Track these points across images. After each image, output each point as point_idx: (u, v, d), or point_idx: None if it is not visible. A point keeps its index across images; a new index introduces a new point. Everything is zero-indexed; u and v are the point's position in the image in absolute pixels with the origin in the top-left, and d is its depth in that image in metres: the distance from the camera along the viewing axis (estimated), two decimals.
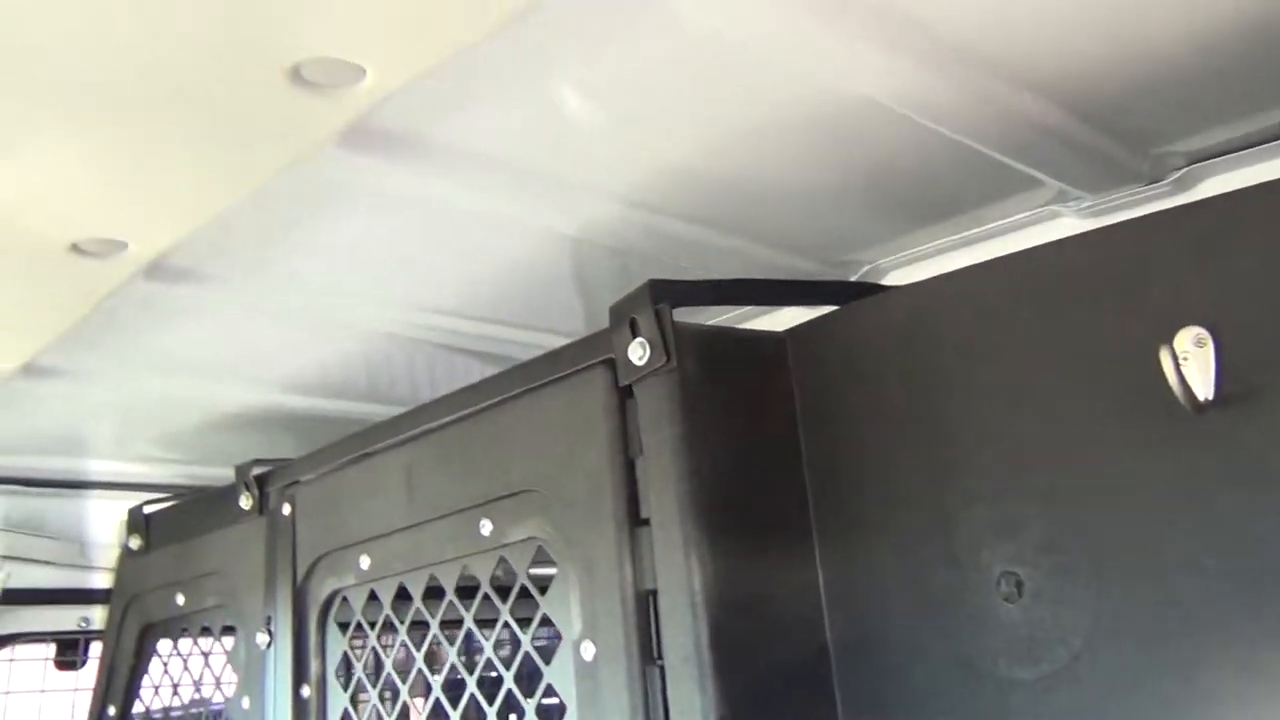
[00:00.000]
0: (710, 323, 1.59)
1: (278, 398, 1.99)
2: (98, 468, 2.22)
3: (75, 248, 1.14)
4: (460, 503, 1.37)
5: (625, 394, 1.19)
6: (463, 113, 1.22)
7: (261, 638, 1.65)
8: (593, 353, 1.24)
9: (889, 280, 1.70)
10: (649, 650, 1.13)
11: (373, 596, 1.51)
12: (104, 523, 2.24)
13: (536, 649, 1.28)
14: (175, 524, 1.95)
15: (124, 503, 2.04)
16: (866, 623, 1.13)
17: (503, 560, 1.33)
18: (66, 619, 2.21)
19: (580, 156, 1.32)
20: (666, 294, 1.18)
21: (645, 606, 1.14)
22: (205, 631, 1.87)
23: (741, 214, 1.49)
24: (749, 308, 1.76)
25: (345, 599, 1.57)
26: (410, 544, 1.45)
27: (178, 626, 1.92)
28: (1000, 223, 1.53)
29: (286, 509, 1.67)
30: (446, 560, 1.39)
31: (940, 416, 1.11)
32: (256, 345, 1.79)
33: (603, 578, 1.17)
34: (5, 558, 2.06)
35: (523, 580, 1.30)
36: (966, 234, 1.56)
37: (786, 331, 1.26)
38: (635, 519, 1.16)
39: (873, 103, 1.19)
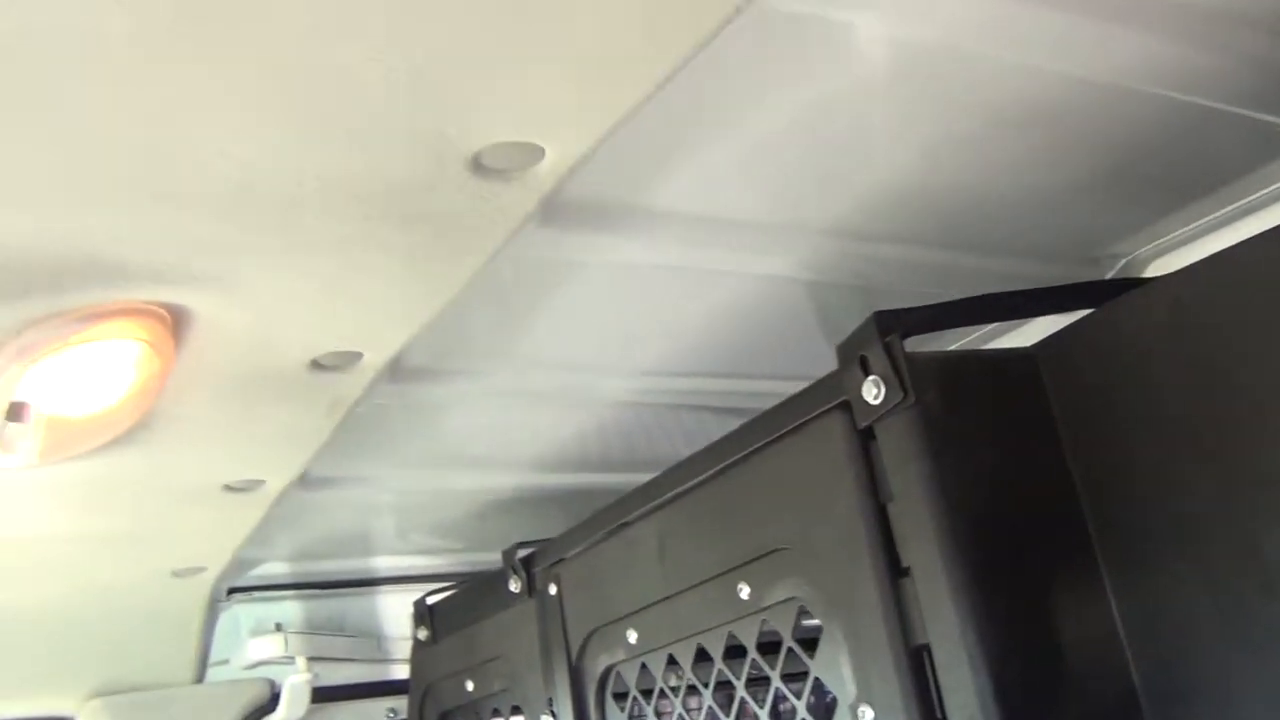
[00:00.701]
0: (952, 348, 1.49)
1: (535, 478, 2.03)
2: (384, 564, 2.34)
3: (315, 364, 1.19)
4: (714, 568, 1.32)
5: (866, 436, 1.12)
6: (661, 172, 1.20)
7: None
8: (825, 397, 1.17)
9: (1150, 272, 1.54)
10: (930, 711, 1.03)
11: (645, 668, 1.49)
12: (396, 616, 2.35)
13: (811, 707, 1.21)
14: (456, 612, 2.01)
15: (411, 595, 2.13)
16: (1178, 663, 0.99)
17: (766, 622, 1.27)
18: (375, 712, 2.31)
19: (789, 195, 1.27)
20: (895, 324, 1.10)
21: (920, 663, 1.05)
22: (496, 714, 1.91)
23: (971, 227, 1.39)
24: (993, 327, 1.64)
25: (619, 673, 1.56)
26: (673, 614, 1.42)
27: (471, 712, 1.97)
28: (1271, 189, 1.36)
29: (553, 589, 1.69)
30: (710, 628, 1.35)
31: (1229, 419, 0.97)
32: (506, 430, 1.84)
33: (870, 635, 1.09)
34: (313, 659, 2.19)
35: (789, 644, 1.23)
36: (1232, 207, 1.40)
37: (1036, 346, 1.15)
38: (896, 569, 1.08)
39: (1113, 87, 1.08)
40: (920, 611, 1.04)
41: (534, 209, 0.95)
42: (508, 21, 0.74)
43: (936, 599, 1.02)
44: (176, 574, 1.87)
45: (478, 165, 0.89)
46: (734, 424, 1.33)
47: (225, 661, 2.29)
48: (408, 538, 2.26)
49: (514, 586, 1.79)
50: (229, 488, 1.51)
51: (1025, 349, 1.15)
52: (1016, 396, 1.11)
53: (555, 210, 1.23)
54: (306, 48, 0.72)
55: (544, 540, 1.79)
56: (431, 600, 2.07)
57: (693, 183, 1.22)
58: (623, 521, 1.56)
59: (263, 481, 1.51)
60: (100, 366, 1.04)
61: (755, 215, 1.28)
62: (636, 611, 1.49)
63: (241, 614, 2.32)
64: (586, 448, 1.96)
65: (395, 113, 0.81)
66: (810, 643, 1.21)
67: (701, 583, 1.37)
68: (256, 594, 2.30)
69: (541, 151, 0.88)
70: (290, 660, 2.23)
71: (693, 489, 1.39)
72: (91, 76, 0.71)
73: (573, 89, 0.82)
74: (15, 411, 1.06)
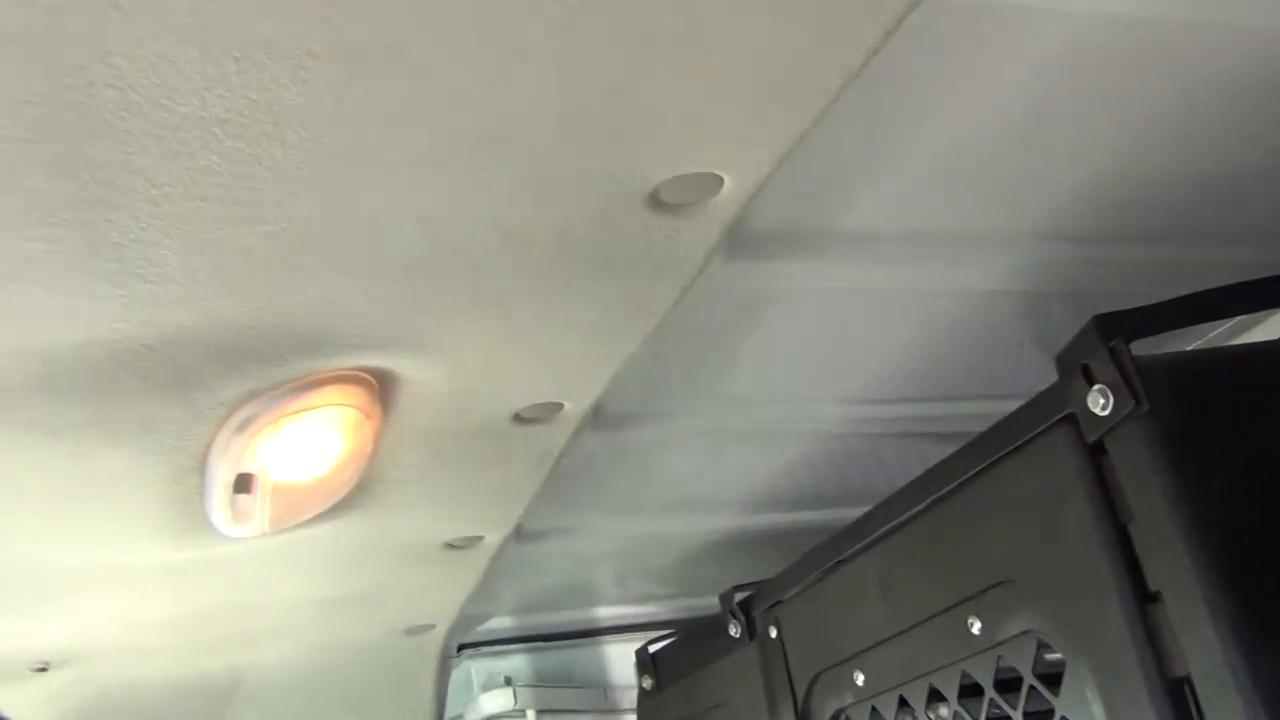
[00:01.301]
0: (1189, 348, 1.37)
1: (747, 518, 1.99)
2: (605, 613, 2.35)
3: (518, 417, 1.21)
4: (941, 603, 1.25)
5: (1096, 451, 1.03)
6: (849, 191, 1.16)
7: None
8: (1047, 412, 1.09)
9: None
10: None
11: (875, 711, 1.42)
12: (620, 665, 2.35)
13: None
14: (678, 660, 1.99)
15: (633, 643, 2.13)
16: None
17: (1002, 658, 1.19)
18: None
19: (988, 201, 1.20)
20: (1118, 327, 1.01)
21: (1181, 697, 0.95)
22: None
23: (1198, 216, 1.28)
24: (1235, 322, 1.50)
25: (848, 718, 1.49)
26: (901, 653, 1.35)
27: None
28: None
29: (773, 631, 1.64)
30: (941, 667, 1.27)
31: None
32: (714, 471, 1.81)
33: (1120, 669, 1.00)
34: (542, 711, 2.22)
35: (1030, 681, 1.15)
36: None
37: None
38: (1144, 595, 0.98)
39: None
40: (1175, 640, 0.95)
41: (717, 241, 0.93)
42: (675, 51, 0.72)
43: (1194, 625, 0.92)
44: (408, 632, 1.93)
45: (656, 201, 0.87)
46: (950, 450, 1.26)
47: (460, 717, 2.34)
48: (625, 585, 2.26)
49: (734, 631, 1.75)
50: (449, 545, 1.54)
51: (1273, 343, 1.04)
52: (1266, 395, 1.01)
53: (742, 241, 1.20)
54: (481, 102, 0.73)
55: (761, 582, 1.75)
56: (654, 648, 2.05)
57: (883, 199, 1.17)
58: (840, 558, 1.50)
59: (480, 537, 1.53)
60: (316, 434, 1.08)
61: (953, 226, 1.22)
62: (862, 652, 1.43)
63: (472, 669, 2.38)
64: (798, 484, 1.91)
65: (568, 156, 0.81)
66: (1053, 678, 1.12)
67: (928, 619, 1.29)
68: (485, 649, 2.35)
69: (720, 180, 0.86)
70: (521, 714, 2.27)
71: (911, 520, 1.33)
72: (296, 164, 0.74)
73: (747, 111, 0.80)
74: (243, 483, 1.11)
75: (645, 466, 1.75)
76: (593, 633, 2.36)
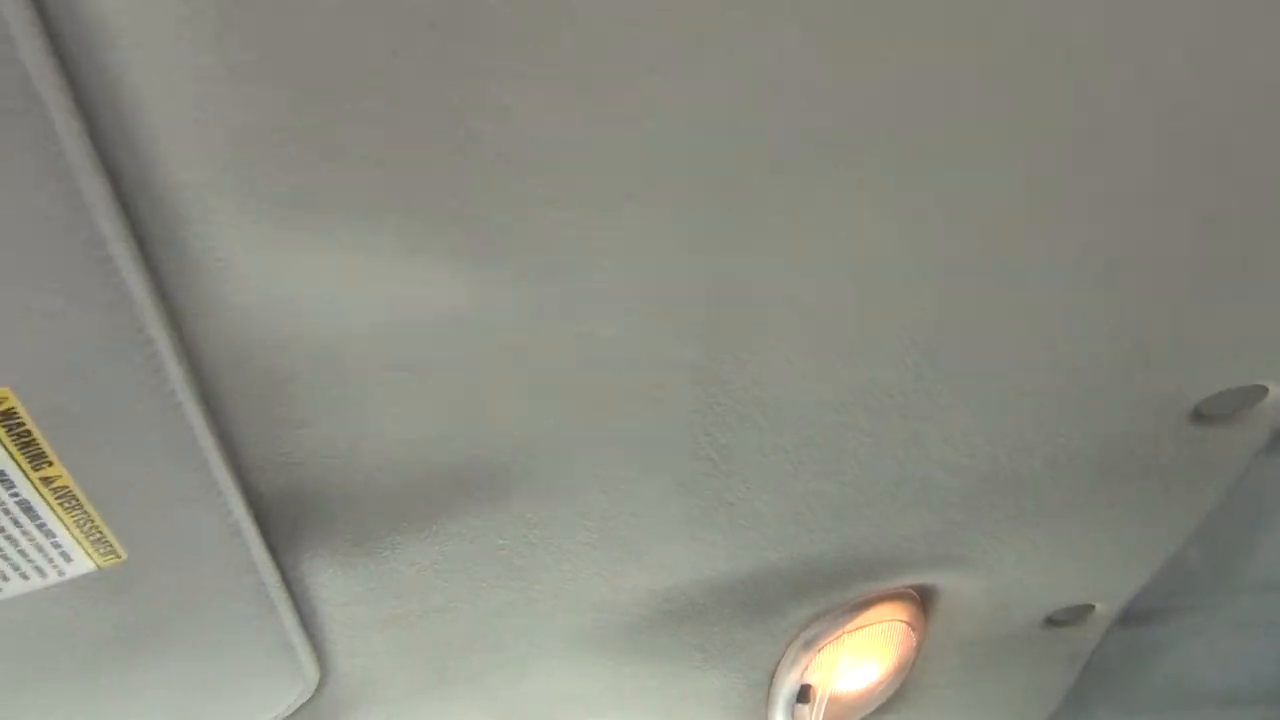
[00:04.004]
0: None
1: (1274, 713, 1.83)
2: None
3: (1048, 620, 1.25)
4: None
5: None
6: None
7: None
8: None
9: None
10: None
11: None
12: None
13: None
14: None
15: None
16: None
17: None
18: None
19: None
20: None
21: None
22: None
23: None
24: None
25: None
26: None
27: None
28: None
29: None
30: None
31: None
32: (1239, 663, 1.70)
33: None
34: None
35: None
36: None
37: None
38: None
39: None
40: None
41: (1262, 445, 0.95)
42: (1223, 278, 0.78)
43: None
44: None
45: (1198, 415, 0.92)
46: None
47: None
48: None
49: None
50: None
51: None
52: None
53: None
54: (1046, 361, 0.83)
55: None
56: None
57: None
58: None
59: None
60: (870, 647, 1.19)
61: None
62: None
63: None
64: None
65: (1113, 381, 0.88)
66: None
67: None
68: None
69: (1265, 390, 0.89)
70: None
71: None
72: (882, 430, 0.88)
73: None
74: (804, 693, 1.23)
75: (1164, 661, 1.68)
76: None
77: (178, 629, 0.84)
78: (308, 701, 1.05)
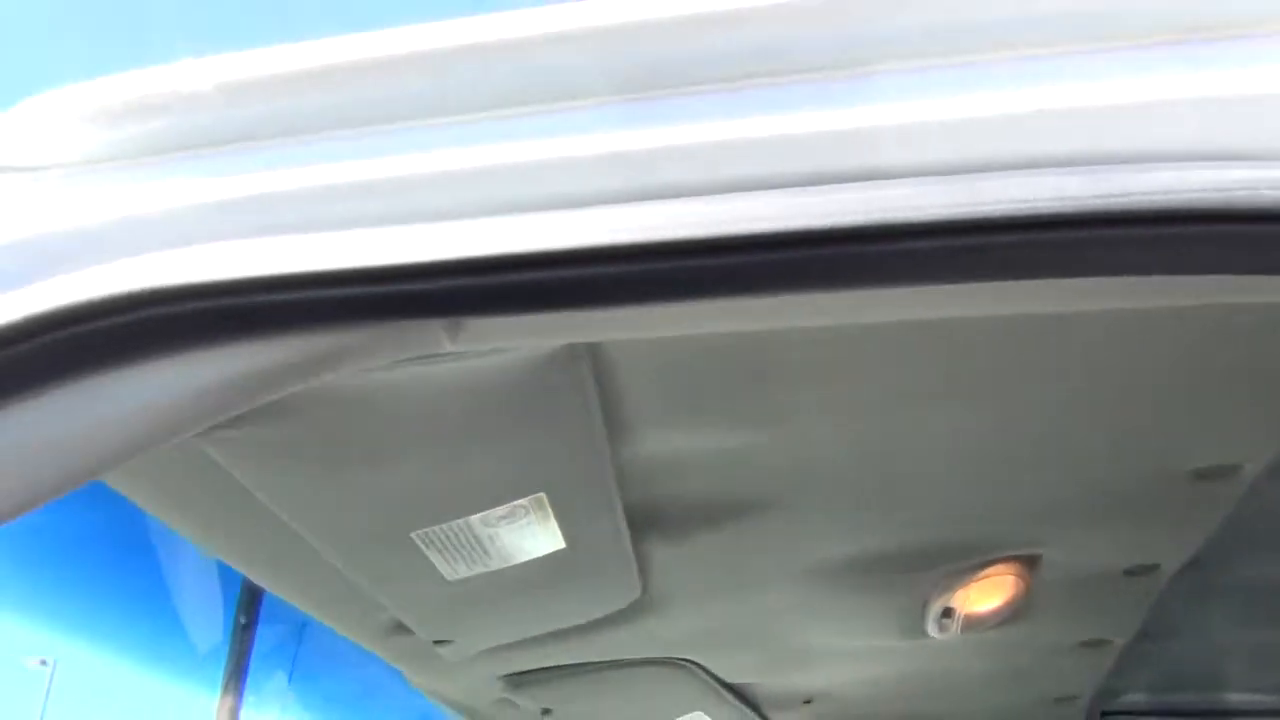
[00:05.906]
0: None
1: None
2: None
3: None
4: None
5: None
6: None
7: None
8: None
9: None
10: None
11: None
12: None
13: None
14: None
15: None
16: None
17: None
18: None
19: None
20: None
21: None
22: None
23: None
24: None
25: None
26: None
27: None
28: None
29: None
30: None
31: None
32: None
33: None
34: None
35: None
36: None
37: None
38: None
39: None
40: None
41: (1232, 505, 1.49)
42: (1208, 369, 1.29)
43: None
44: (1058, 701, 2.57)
45: (1196, 474, 1.45)
46: None
47: None
48: None
49: None
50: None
51: None
52: None
53: None
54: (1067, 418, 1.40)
55: None
56: None
57: None
58: None
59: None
60: (988, 590, 1.81)
61: None
62: None
63: None
64: None
65: (1128, 452, 1.43)
66: None
67: None
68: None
69: (1240, 467, 1.42)
70: None
71: None
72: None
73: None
74: (947, 612, 1.88)
75: None
76: None
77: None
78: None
